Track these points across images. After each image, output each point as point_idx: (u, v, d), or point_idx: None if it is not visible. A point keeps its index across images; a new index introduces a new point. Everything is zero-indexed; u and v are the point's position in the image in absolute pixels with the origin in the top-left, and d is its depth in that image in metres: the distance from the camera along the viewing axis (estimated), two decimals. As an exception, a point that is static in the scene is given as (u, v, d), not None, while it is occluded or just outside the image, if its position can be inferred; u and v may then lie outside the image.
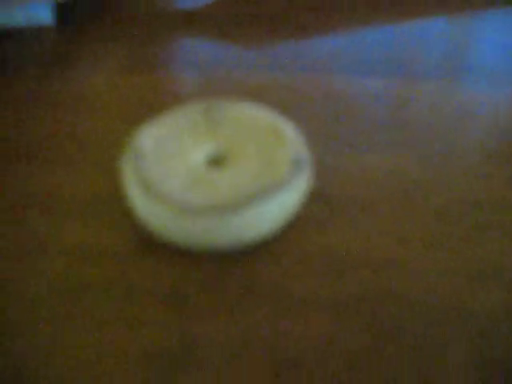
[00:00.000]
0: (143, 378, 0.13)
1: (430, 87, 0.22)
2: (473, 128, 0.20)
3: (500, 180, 0.18)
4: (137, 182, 0.16)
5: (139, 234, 0.16)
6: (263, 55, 0.23)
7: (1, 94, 0.21)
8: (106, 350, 0.14)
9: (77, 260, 0.16)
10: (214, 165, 0.17)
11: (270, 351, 0.14)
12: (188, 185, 0.16)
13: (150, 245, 0.16)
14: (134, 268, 0.16)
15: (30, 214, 0.17)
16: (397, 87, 0.22)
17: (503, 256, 0.16)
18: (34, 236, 0.16)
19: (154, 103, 0.21)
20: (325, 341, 0.14)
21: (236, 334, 0.14)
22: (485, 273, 0.16)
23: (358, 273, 0.16)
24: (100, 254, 0.16)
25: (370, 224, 0.17)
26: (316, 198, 0.18)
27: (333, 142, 0.19)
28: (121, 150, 0.19)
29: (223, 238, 0.15)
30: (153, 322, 0.14)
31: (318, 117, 0.20)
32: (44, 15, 0.25)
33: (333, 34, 0.24)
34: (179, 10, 0.26)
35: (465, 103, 0.21)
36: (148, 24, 0.25)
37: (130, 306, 0.15)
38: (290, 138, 0.17)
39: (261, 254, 0.16)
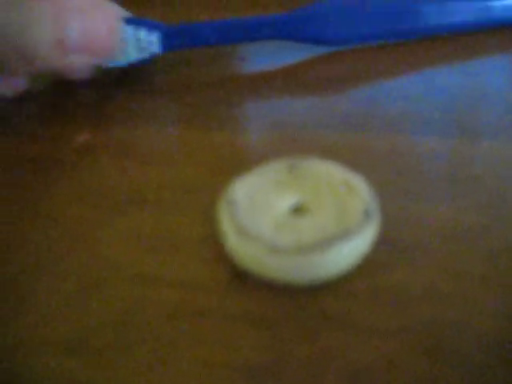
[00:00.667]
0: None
1: (487, 144, 0.24)
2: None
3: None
4: (231, 225, 0.19)
5: (233, 270, 0.20)
6: (331, 115, 0.26)
7: (97, 146, 0.25)
8: (208, 366, 0.17)
9: (181, 292, 0.19)
10: (296, 213, 0.20)
11: (340, 370, 0.17)
12: (274, 229, 0.19)
13: (242, 279, 0.19)
14: (229, 298, 0.19)
15: (138, 253, 0.21)
16: (455, 146, 0.24)
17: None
18: (143, 271, 0.20)
19: (232, 159, 0.24)
20: (387, 364, 0.17)
21: (313, 354, 0.17)
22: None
23: (418, 306, 0.18)
24: (200, 286, 0.19)
25: (429, 264, 0.19)
26: (382, 241, 0.20)
27: (397, 194, 0.22)
28: (213, 198, 0.22)
29: (303, 275, 0.18)
30: (246, 344, 0.17)
31: (383, 172, 0.23)
32: (154, 45, 0.27)
33: (392, 95, 0.27)
34: (248, 74, 0.30)
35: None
36: (220, 87, 0.29)
37: (227, 331, 0.18)
38: (361, 191, 0.20)
39: (334, 289, 0.19)
